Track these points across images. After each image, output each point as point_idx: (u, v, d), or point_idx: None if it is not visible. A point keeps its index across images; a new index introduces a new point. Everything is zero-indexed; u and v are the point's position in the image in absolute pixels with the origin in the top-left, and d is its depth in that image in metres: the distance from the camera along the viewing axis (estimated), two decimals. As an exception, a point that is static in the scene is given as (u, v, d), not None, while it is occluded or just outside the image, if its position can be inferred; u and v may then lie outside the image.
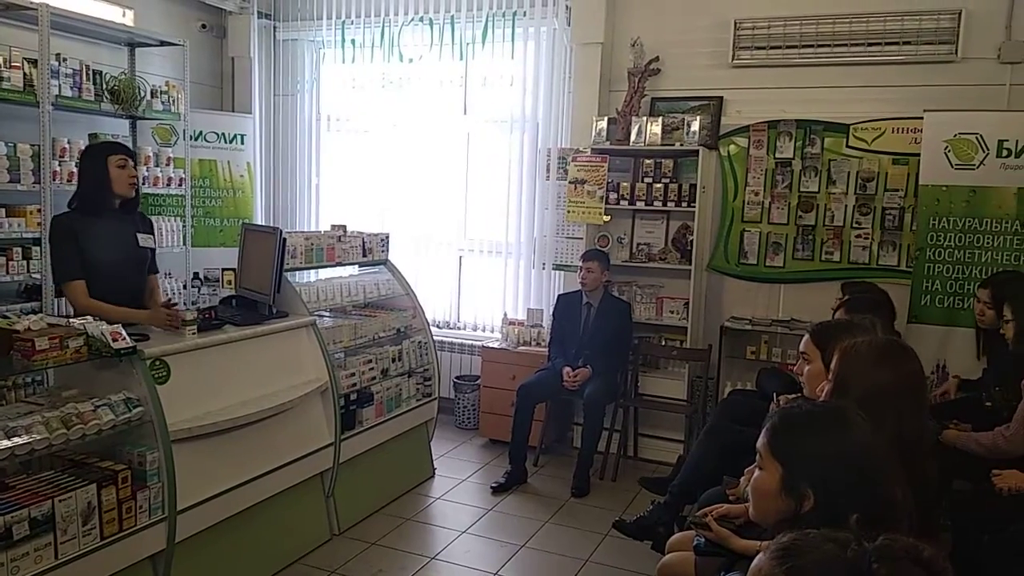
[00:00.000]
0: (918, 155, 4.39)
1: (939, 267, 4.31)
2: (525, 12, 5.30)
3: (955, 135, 4.22)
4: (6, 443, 2.37)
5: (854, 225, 4.72)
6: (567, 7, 5.17)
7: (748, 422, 3.33)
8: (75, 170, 4.34)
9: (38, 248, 4.20)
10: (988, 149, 4.16)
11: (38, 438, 2.44)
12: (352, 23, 5.81)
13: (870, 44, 4.57)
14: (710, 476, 3.35)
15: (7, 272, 4.08)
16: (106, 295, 3.24)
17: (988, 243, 4.21)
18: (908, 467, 1.68)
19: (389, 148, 5.93)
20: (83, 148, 3.92)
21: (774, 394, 3.07)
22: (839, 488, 1.42)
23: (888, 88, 4.59)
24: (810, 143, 4.77)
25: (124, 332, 2.78)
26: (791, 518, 1.45)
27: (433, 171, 5.84)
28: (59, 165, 4.31)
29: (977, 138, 4.18)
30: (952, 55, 4.41)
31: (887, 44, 4.54)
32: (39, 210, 4.19)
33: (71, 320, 2.79)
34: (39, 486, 2.50)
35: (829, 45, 4.64)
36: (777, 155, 4.84)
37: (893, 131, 4.61)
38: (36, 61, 4.17)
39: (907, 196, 4.58)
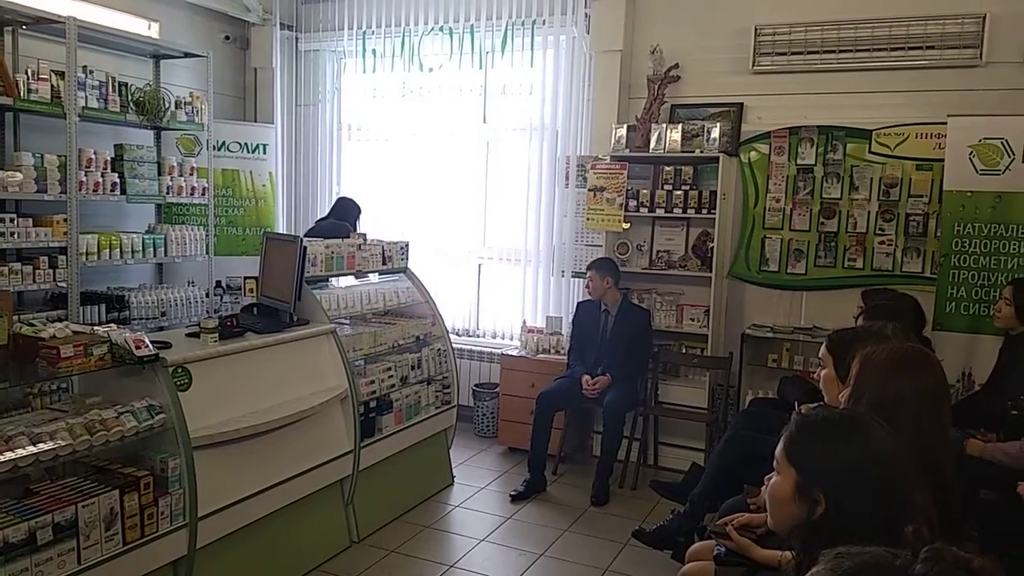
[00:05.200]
0: (942, 160, 4.34)
1: (964, 274, 4.24)
2: (544, 20, 5.31)
3: (980, 140, 4.17)
4: (31, 449, 2.41)
5: (877, 232, 4.67)
6: (586, 15, 5.17)
7: (769, 431, 3.29)
8: (100, 180, 4.43)
9: (64, 257, 4.26)
10: (1014, 154, 4.10)
11: (62, 444, 2.48)
12: (373, 33, 5.86)
13: (893, 49, 4.52)
14: (730, 485, 3.32)
15: (34, 280, 4.14)
16: None
17: (1014, 249, 4.14)
18: (928, 475, 1.65)
19: (409, 157, 5.97)
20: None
21: (795, 402, 3.03)
22: (850, 493, 1.41)
23: (911, 93, 4.54)
24: (832, 149, 4.73)
25: (147, 340, 2.82)
26: (803, 524, 1.44)
27: (453, 179, 5.87)
28: (85, 175, 4.37)
29: (1002, 143, 4.12)
30: (976, 59, 4.35)
31: (910, 49, 4.49)
32: (65, 220, 4.25)
33: (95, 328, 2.83)
34: (63, 492, 2.53)
35: (851, 50, 4.61)
36: (799, 161, 4.81)
37: (917, 136, 4.56)
38: (63, 73, 4.24)
39: (931, 202, 4.53)
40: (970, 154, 4.19)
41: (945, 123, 4.30)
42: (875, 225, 4.68)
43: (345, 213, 5.31)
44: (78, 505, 2.47)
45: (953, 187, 4.25)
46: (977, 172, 4.18)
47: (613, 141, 5.01)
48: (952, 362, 4.08)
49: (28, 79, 4.09)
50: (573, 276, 5.38)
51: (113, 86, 4.55)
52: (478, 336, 5.87)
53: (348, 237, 4.55)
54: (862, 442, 1.46)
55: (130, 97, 4.68)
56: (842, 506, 1.40)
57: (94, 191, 4.42)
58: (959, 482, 1.91)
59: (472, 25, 5.52)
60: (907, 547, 1.00)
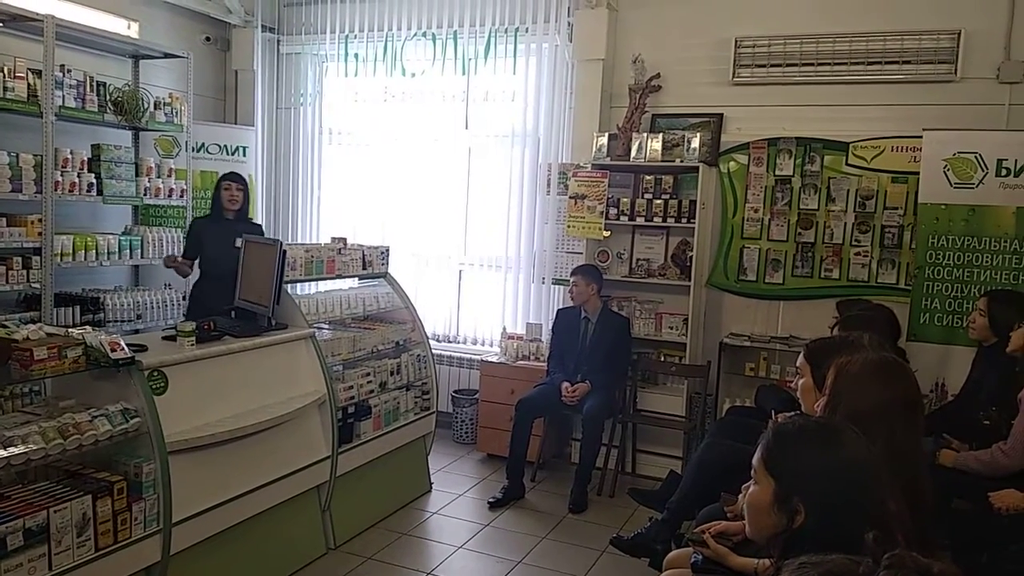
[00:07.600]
0: (917, 173, 4.41)
1: (938, 285, 4.31)
2: (527, 28, 5.33)
3: (954, 154, 4.24)
4: (2, 453, 2.37)
5: (853, 243, 4.73)
6: (569, 23, 5.20)
7: (746, 439, 3.31)
8: (76, 180, 4.40)
9: (38, 258, 4.20)
10: (987, 168, 4.18)
11: (34, 448, 2.44)
12: (355, 37, 5.84)
13: (870, 63, 4.59)
14: (708, 493, 3.33)
15: (7, 281, 4.08)
16: (211, 274, 4.52)
17: (987, 262, 4.21)
18: (902, 484, 1.68)
19: (390, 162, 5.95)
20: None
21: (772, 411, 3.05)
22: (829, 502, 1.42)
23: (887, 107, 4.61)
24: (810, 161, 4.79)
25: (122, 342, 2.78)
26: (783, 533, 1.45)
27: (434, 185, 5.86)
28: (61, 175, 4.32)
29: (976, 157, 4.20)
30: (951, 75, 4.43)
31: (887, 63, 4.56)
32: (40, 220, 4.19)
33: (70, 330, 2.79)
34: (34, 496, 2.49)
35: (829, 64, 4.67)
36: (777, 172, 4.86)
37: (892, 150, 4.63)
38: (40, 72, 4.19)
39: (906, 214, 4.60)
40: (945, 168, 4.26)
41: (920, 137, 4.37)
42: (851, 236, 4.74)
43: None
44: (50, 510, 2.43)
45: (928, 200, 4.32)
46: (951, 185, 4.26)
47: (594, 149, 5.03)
48: (926, 372, 4.14)
49: (4, 77, 4.03)
50: (554, 283, 5.39)
51: (91, 86, 4.50)
52: (458, 342, 5.85)
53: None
54: (839, 450, 1.48)
55: (108, 97, 4.64)
56: (821, 514, 1.42)
57: (70, 191, 4.38)
58: (932, 491, 1.93)
59: (455, 31, 5.53)
60: (869, 554, 1.01)
